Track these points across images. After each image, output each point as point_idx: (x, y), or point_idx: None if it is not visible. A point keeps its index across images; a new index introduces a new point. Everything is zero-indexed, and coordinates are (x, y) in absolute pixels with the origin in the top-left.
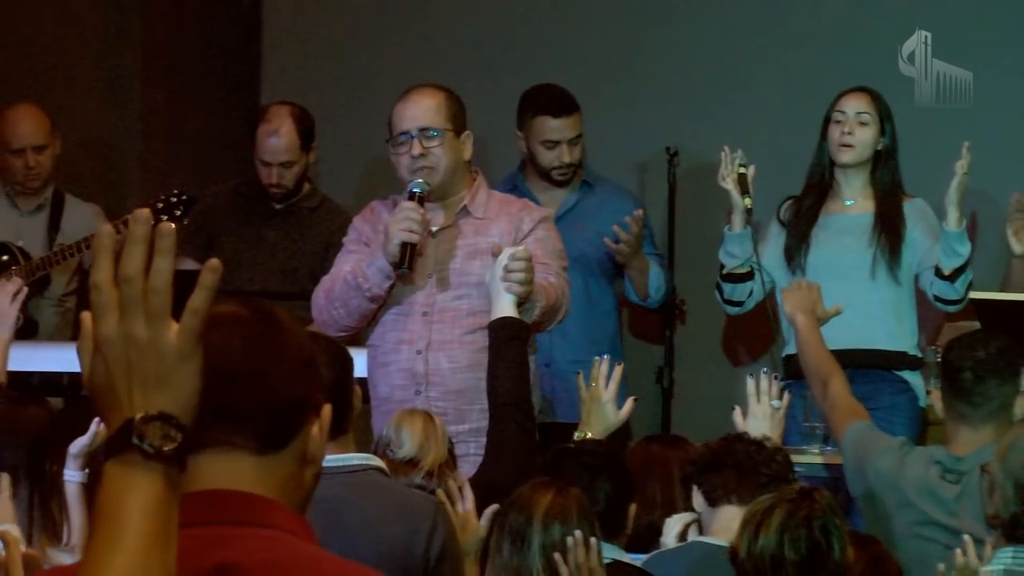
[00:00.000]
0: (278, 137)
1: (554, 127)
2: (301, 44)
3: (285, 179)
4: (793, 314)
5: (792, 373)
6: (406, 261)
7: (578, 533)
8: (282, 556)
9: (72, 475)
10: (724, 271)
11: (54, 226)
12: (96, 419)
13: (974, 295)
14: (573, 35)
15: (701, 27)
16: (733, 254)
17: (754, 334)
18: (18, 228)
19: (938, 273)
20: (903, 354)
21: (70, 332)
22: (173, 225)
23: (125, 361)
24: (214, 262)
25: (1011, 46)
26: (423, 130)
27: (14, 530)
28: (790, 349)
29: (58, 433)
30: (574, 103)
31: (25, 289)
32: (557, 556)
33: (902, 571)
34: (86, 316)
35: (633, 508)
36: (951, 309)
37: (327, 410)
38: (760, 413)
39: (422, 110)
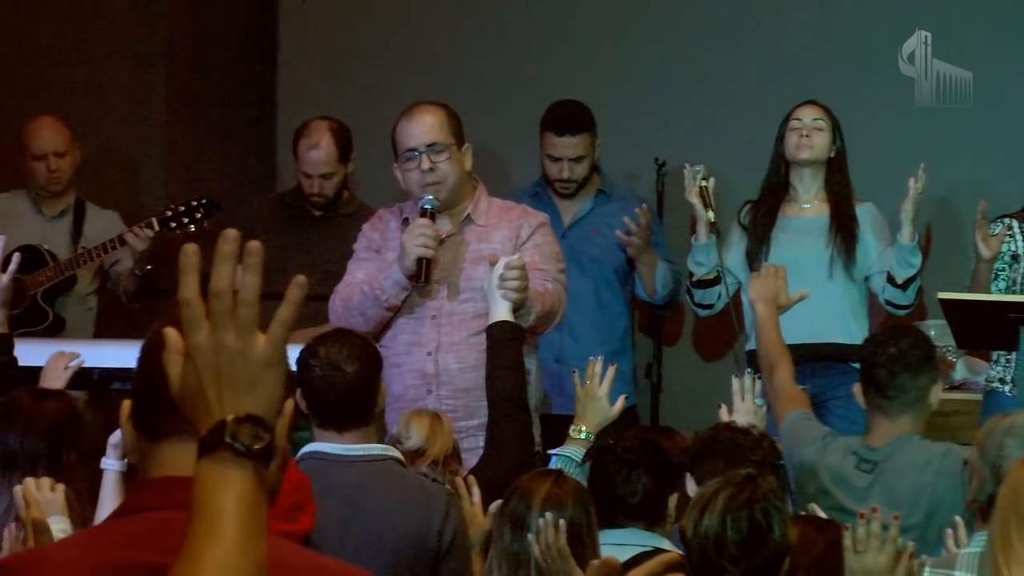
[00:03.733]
0: (318, 150)
1: (556, 143)
2: (316, 57)
3: (325, 189)
4: (754, 301)
5: (755, 367)
6: (423, 275)
7: (548, 515)
8: None
9: (112, 464)
10: (694, 278)
11: (77, 230)
12: None
13: (943, 295)
14: (568, 49)
15: (694, 33)
16: (700, 262)
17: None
18: (43, 233)
19: (891, 281)
20: (859, 347)
21: (93, 329)
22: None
23: (215, 368)
24: (300, 278)
25: (1011, 46)
26: (430, 146)
27: (62, 522)
28: (752, 344)
29: (77, 424)
30: (582, 124)
31: (80, 358)
32: (530, 536)
33: None
34: (171, 331)
35: (674, 498)
36: (901, 313)
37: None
38: (744, 410)
39: (427, 127)
